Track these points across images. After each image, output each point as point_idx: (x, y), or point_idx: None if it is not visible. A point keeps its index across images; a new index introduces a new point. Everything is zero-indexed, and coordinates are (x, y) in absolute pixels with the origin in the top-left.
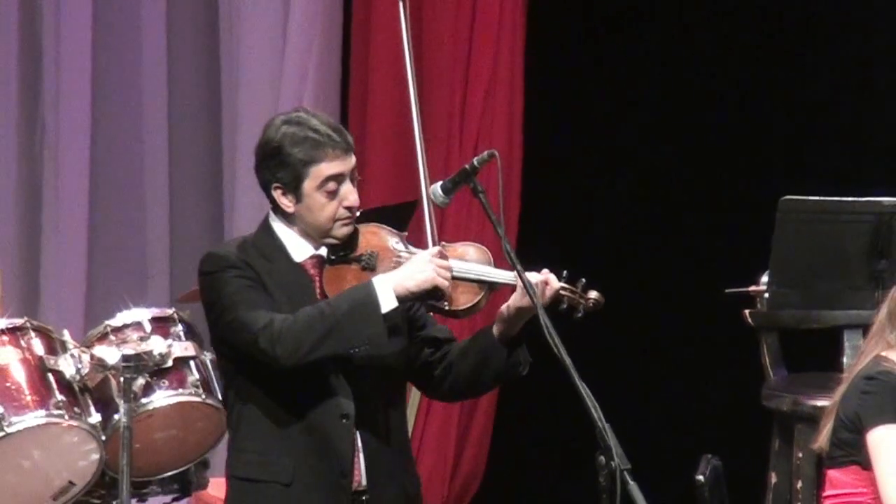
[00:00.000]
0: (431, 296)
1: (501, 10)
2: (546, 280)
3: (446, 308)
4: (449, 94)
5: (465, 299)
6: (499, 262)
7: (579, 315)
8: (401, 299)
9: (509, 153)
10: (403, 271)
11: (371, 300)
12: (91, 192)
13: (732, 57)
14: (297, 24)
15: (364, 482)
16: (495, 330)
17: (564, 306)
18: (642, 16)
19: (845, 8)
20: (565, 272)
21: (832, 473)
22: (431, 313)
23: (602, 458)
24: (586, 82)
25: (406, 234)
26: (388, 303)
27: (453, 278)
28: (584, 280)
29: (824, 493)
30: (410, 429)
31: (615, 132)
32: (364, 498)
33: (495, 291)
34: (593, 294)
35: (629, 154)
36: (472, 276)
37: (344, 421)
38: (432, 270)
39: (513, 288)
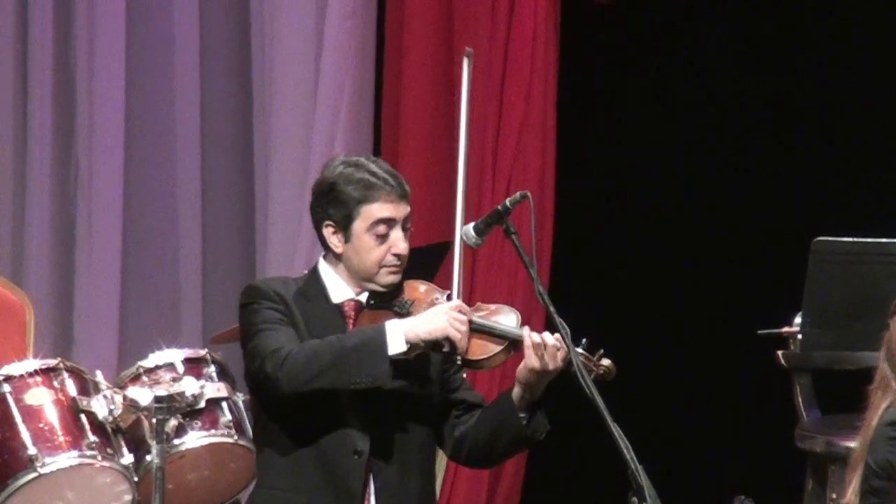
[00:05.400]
0: (443, 347)
1: (534, 49)
2: (558, 338)
3: (459, 361)
4: (481, 134)
5: (481, 350)
6: (531, 303)
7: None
8: (410, 345)
9: (542, 194)
10: (417, 318)
11: (379, 340)
12: (124, 232)
13: (767, 92)
14: (328, 64)
15: None
16: (514, 394)
17: (574, 368)
18: (678, 52)
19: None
20: (584, 340)
21: None
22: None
23: (634, 498)
24: (619, 122)
25: (449, 292)
26: (396, 346)
27: (473, 329)
28: (602, 351)
29: None
30: (444, 463)
31: (648, 172)
32: None
33: (519, 352)
34: (605, 361)
35: (662, 194)
36: (488, 328)
37: (356, 457)
38: (446, 321)
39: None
